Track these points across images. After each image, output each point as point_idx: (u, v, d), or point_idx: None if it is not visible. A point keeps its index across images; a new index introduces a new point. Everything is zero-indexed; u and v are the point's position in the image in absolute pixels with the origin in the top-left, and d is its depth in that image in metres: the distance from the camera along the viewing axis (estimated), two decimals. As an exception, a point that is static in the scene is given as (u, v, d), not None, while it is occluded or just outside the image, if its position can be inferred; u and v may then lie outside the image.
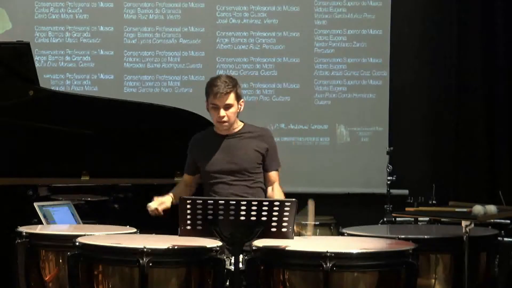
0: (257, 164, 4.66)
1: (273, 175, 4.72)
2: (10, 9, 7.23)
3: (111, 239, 3.97)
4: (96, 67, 7.31)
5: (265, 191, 4.73)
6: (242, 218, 3.67)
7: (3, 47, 5.37)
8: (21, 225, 4.31)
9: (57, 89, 7.02)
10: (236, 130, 4.68)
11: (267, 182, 4.71)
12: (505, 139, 7.24)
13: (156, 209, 4.52)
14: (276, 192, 4.66)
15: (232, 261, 3.74)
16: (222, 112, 4.55)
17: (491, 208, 4.10)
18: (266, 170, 4.71)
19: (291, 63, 7.39)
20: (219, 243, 3.82)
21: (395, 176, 6.38)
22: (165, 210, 4.55)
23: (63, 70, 7.30)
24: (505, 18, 7.26)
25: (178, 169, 5.71)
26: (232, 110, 4.58)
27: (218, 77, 4.62)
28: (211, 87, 4.57)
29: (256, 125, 4.78)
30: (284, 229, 3.72)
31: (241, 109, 4.66)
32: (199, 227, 3.74)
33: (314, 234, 4.39)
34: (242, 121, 4.73)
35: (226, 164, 4.61)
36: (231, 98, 4.56)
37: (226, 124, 4.61)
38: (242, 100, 4.65)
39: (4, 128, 5.53)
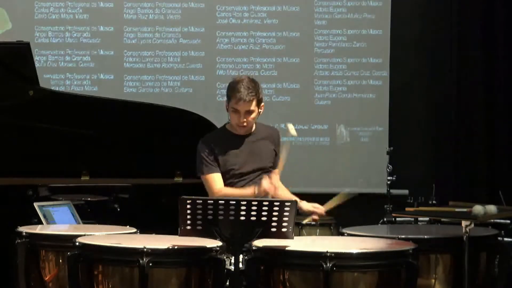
0: (272, 163, 4.70)
1: (275, 172, 4.72)
2: (10, 9, 7.23)
3: (111, 239, 3.97)
4: (96, 67, 7.31)
5: None
6: (242, 218, 3.67)
7: (3, 47, 5.37)
8: (21, 225, 4.30)
9: (57, 89, 7.02)
10: (252, 130, 4.70)
11: None
12: (505, 139, 7.24)
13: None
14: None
15: (232, 261, 3.74)
16: (243, 118, 4.56)
17: (491, 208, 4.10)
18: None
19: (291, 63, 7.39)
20: (219, 243, 3.82)
21: (395, 176, 6.39)
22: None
23: (63, 70, 7.30)
24: (505, 18, 7.26)
25: (178, 169, 5.72)
26: (253, 115, 4.60)
27: (241, 81, 4.57)
28: (233, 92, 4.54)
29: (265, 124, 4.79)
30: (284, 229, 3.72)
31: (261, 112, 4.66)
32: (199, 227, 3.74)
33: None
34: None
35: (254, 165, 4.62)
36: (253, 105, 4.57)
37: (245, 128, 4.62)
38: (262, 104, 4.65)
39: (4, 128, 5.53)
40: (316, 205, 4.70)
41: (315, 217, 4.74)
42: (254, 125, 4.70)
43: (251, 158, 4.63)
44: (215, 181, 4.64)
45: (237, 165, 4.62)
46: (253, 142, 4.66)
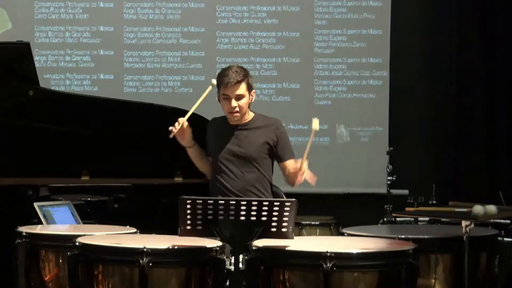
0: (265, 154, 4.67)
1: (290, 163, 4.69)
2: (10, 9, 7.23)
3: (111, 239, 3.97)
4: (96, 67, 7.31)
5: (271, 183, 4.75)
6: (242, 218, 3.67)
7: (3, 47, 5.37)
8: (21, 225, 4.30)
9: (57, 89, 7.02)
10: (247, 120, 4.67)
11: (284, 172, 4.71)
12: (505, 139, 7.24)
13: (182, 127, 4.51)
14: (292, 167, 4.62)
15: (232, 261, 3.74)
16: (234, 103, 4.54)
17: (491, 208, 4.10)
18: (280, 161, 4.71)
19: (291, 63, 7.39)
20: (219, 243, 3.83)
21: (395, 176, 6.39)
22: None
23: (63, 70, 7.31)
24: (505, 18, 7.27)
25: (178, 169, 5.72)
26: (244, 100, 4.57)
27: (229, 67, 4.60)
28: (221, 77, 4.55)
29: (266, 115, 4.78)
30: (284, 229, 3.72)
31: (253, 100, 4.64)
32: (199, 227, 3.74)
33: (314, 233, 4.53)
34: (253, 112, 4.72)
35: (234, 153, 4.60)
36: (242, 88, 4.54)
37: (237, 115, 4.59)
38: (253, 90, 4.63)
39: (4, 128, 5.53)
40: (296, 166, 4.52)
41: (309, 179, 4.56)
42: (251, 116, 4.69)
43: (234, 148, 4.61)
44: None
45: (218, 153, 4.63)
46: (242, 133, 4.64)
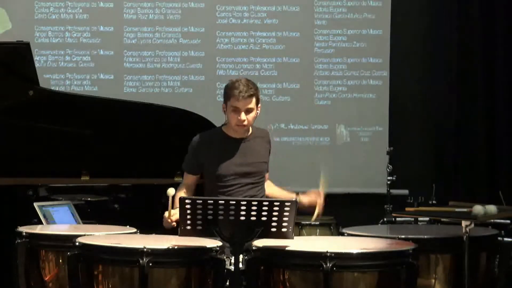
0: (266, 167, 4.70)
1: (267, 175, 4.79)
2: (10, 9, 7.23)
3: (111, 239, 3.97)
4: (96, 67, 7.31)
5: None
6: (242, 218, 3.68)
7: (3, 47, 5.37)
8: (21, 225, 4.31)
9: (57, 89, 7.02)
10: (249, 133, 4.67)
11: None
12: (505, 139, 7.24)
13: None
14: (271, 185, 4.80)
15: (232, 261, 3.74)
16: (243, 116, 4.50)
17: (491, 208, 4.10)
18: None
19: (291, 63, 7.39)
20: (219, 243, 3.83)
21: (395, 176, 6.39)
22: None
23: (63, 70, 7.30)
24: (505, 18, 7.27)
25: (178, 169, 5.72)
26: (252, 114, 4.54)
27: (239, 80, 4.55)
28: (232, 90, 4.50)
29: (256, 126, 4.77)
30: (284, 229, 3.72)
31: (258, 114, 4.63)
32: (199, 227, 3.74)
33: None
34: None
35: (245, 167, 4.58)
36: (253, 103, 4.52)
37: (245, 128, 4.58)
38: (259, 105, 4.62)
39: (4, 128, 5.53)
40: (313, 193, 4.65)
41: (318, 211, 4.65)
42: (250, 129, 4.68)
43: (243, 161, 4.59)
44: (184, 182, 4.69)
45: (224, 169, 4.57)
46: (248, 146, 4.62)
